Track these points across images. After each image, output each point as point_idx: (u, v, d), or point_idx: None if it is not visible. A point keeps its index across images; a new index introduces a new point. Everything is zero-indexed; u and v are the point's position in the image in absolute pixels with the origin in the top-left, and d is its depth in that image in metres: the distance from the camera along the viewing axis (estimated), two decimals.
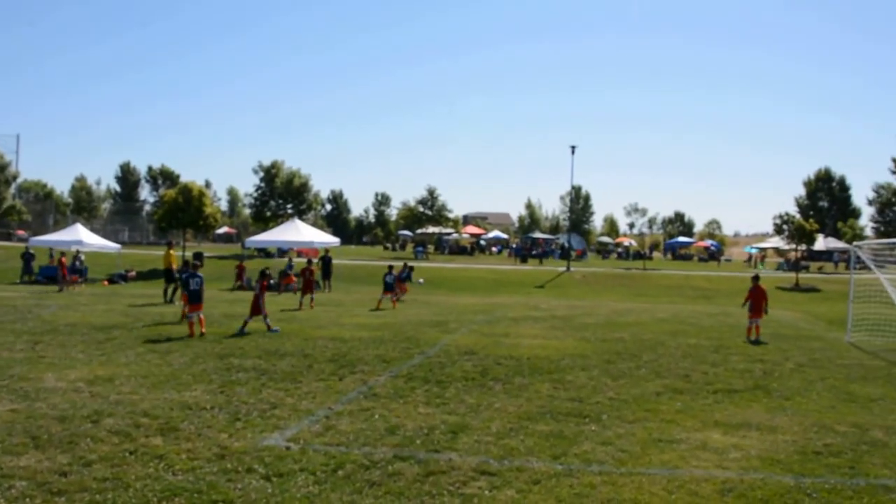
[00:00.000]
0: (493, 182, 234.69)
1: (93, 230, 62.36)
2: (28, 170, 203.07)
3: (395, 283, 33.71)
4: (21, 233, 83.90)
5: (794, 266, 63.01)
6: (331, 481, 7.77)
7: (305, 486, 7.59)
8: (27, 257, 47.47)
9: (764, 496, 7.63)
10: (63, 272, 37.72)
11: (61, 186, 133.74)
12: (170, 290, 29.91)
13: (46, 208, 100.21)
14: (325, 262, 42.61)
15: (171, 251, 31.55)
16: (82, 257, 48.39)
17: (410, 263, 39.88)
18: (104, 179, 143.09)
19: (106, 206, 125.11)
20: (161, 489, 7.36)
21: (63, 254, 41.47)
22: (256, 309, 20.08)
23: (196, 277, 19.79)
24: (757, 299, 21.55)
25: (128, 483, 7.51)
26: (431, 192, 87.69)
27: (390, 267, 31.61)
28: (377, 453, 8.80)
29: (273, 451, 8.79)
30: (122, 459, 8.29)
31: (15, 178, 70.89)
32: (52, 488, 7.30)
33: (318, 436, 9.58)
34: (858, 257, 24.03)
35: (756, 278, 22.67)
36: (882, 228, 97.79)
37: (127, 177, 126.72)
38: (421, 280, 35.76)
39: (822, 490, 7.86)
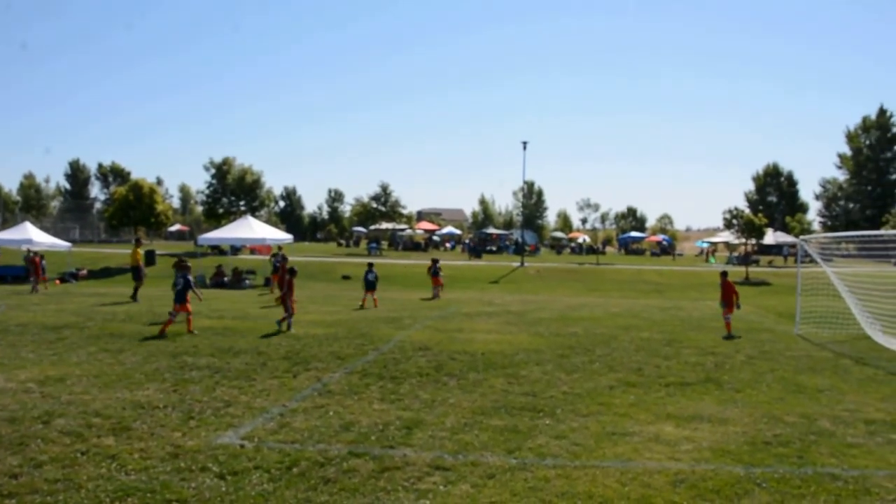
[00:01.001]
0: (447, 178, 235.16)
1: (42, 228, 61.33)
2: None
3: (433, 279, 33.56)
4: None
5: (745, 260, 64.04)
6: (285, 479, 7.78)
7: (260, 484, 7.59)
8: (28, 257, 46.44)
9: (715, 486, 7.78)
10: (37, 272, 36.02)
11: (9, 184, 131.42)
12: (139, 289, 29.59)
13: None
14: (277, 259, 42.43)
15: (139, 249, 31.12)
16: (33, 255, 47.56)
17: (435, 258, 38.57)
18: (53, 177, 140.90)
19: (55, 203, 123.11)
20: (114, 489, 7.32)
21: (36, 253, 39.88)
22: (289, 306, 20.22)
23: (181, 278, 19.84)
24: (727, 294, 21.56)
25: (80, 484, 7.46)
26: (385, 188, 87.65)
27: (370, 265, 30.00)
28: (332, 450, 8.82)
29: (227, 449, 8.77)
30: (73, 460, 8.22)
31: None
32: (2, 490, 7.22)
33: (273, 433, 9.57)
34: (806, 251, 24.46)
35: (724, 274, 22.57)
36: (828, 223, 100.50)
37: (77, 174, 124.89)
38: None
39: (772, 479, 8.04)
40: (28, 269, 44.24)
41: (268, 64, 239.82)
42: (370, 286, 28.94)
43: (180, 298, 19.37)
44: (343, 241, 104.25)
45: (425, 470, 8.15)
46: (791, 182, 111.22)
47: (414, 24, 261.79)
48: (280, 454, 8.61)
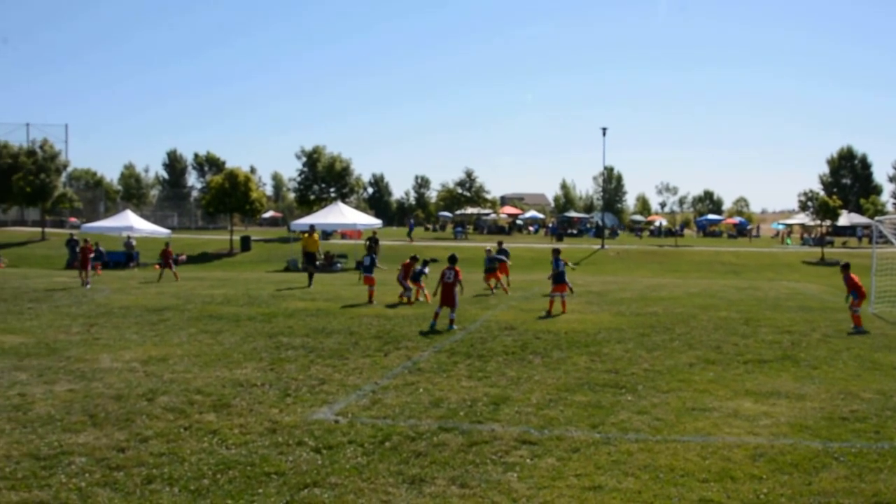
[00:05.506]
0: (529, 163, 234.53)
1: (143, 216, 63.43)
2: (77, 159, 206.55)
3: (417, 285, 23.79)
4: (73, 220, 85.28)
5: (820, 241, 63.13)
6: (378, 452, 8.02)
7: (354, 458, 7.84)
8: (72, 244, 48.06)
9: (793, 461, 7.80)
10: (85, 261, 29.82)
11: (110, 174, 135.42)
12: (317, 274, 29.65)
13: (97, 196, 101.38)
14: (373, 242, 43.04)
15: (315, 236, 31.06)
16: (133, 242, 49.21)
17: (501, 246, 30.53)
18: (152, 167, 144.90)
19: (154, 192, 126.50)
20: (215, 463, 7.65)
21: (86, 240, 34.23)
22: (450, 299, 17.84)
23: (367, 257, 24.32)
24: (853, 286, 18.88)
25: (183, 457, 7.81)
26: (469, 174, 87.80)
27: (557, 251, 22.20)
28: (422, 425, 9.05)
29: (322, 424, 9.06)
30: (177, 435, 8.59)
31: (65, 166, 71.70)
32: (111, 463, 7.59)
33: (366, 409, 9.85)
34: (881, 232, 23.88)
35: (846, 266, 19.73)
36: None
37: (174, 164, 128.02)
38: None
39: (849, 454, 8.02)
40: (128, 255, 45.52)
41: (357, 49, 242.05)
42: (559, 279, 20.94)
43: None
44: (430, 226, 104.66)
45: (512, 444, 8.31)
46: (865, 165, 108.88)
47: (500, 10, 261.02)
48: (373, 429, 8.85)
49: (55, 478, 7.17)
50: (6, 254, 53.17)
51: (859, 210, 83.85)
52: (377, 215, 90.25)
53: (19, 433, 8.59)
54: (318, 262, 30.54)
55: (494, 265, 26.52)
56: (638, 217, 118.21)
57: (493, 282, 26.53)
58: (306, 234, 30.90)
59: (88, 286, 27.86)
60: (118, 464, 7.58)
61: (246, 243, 58.15)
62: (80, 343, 14.90)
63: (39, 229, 69.03)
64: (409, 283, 22.57)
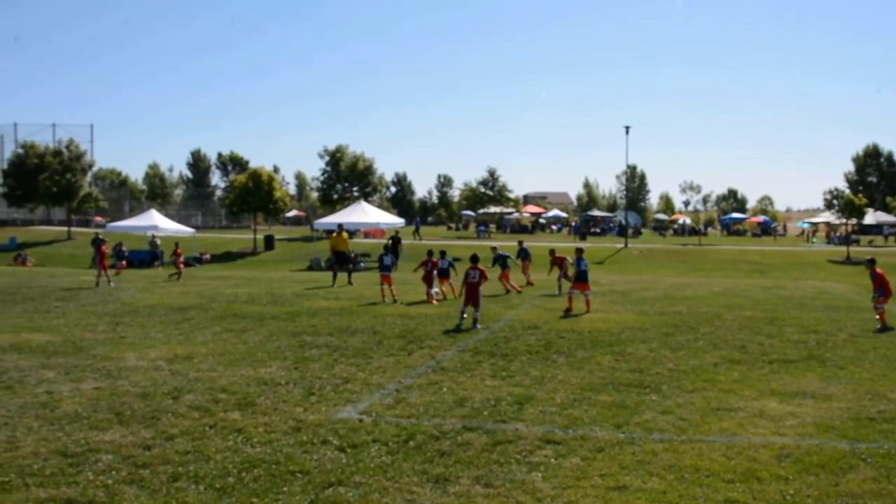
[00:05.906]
0: (552, 162, 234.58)
1: (167, 215, 63.96)
2: (103, 158, 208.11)
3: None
4: (98, 219, 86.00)
5: (845, 240, 62.73)
6: (402, 451, 8.02)
7: (378, 457, 7.85)
8: (97, 243, 48.30)
9: (820, 461, 7.72)
10: (102, 259, 30.69)
11: (135, 174, 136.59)
12: (344, 275, 29.21)
13: (122, 195, 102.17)
14: (395, 242, 43.08)
15: (343, 234, 30.22)
16: (158, 241, 49.58)
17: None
18: (176, 167, 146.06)
19: (179, 192, 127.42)
20: (240, 461, 7.67)
21: (103, 240, 35.51)
22: (474, 299, 17.74)
23: (388, 256, 24.20)
24: (880, 282, 18.37)
25: (208, 455, 7.84)
26: (492, 173, 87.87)
27: (580, 251, 21.76)
28: (446, 424, 9.04)
29: (346, 423, 9.08)
30: (202, 433, 8.63)
31: (91, 166, 72.62)
32: (137, 461, 7.64)
33: (390, 408, 9.86)
34: None
35: (872, 262, 19.17)
36: None
37: (198, 163, 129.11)
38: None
39: (877, 455, 7.94)
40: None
41: (378, 47, 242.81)
42: (583, 277, 20.74)
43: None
44: (453, 225, 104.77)
45: (537, 443, 8.30)
46: (891, 162, 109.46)
47: (522, 9, 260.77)
48: (397, 428, 8.86)
49: (82, 475, 7.22)
50: (33, 253, 53.83)
51: (885, 208, 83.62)
52: (400, 214, 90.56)
53: (47, 430, 8.66)
54: (351, 262, 30.29)
55: (506, 263, 26.81)
56: (661, 216, 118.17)
57: (524, 277, 27.42)
58: (335, 234, 30.78)
59: (112, 285, 28.09)
60: (144, 461, 7.63)
61: (269, 242, 58.48)
62: (106, 341, 15.01)
63: (65, 228, 69.89)
64: (437, 281, 23.09)
